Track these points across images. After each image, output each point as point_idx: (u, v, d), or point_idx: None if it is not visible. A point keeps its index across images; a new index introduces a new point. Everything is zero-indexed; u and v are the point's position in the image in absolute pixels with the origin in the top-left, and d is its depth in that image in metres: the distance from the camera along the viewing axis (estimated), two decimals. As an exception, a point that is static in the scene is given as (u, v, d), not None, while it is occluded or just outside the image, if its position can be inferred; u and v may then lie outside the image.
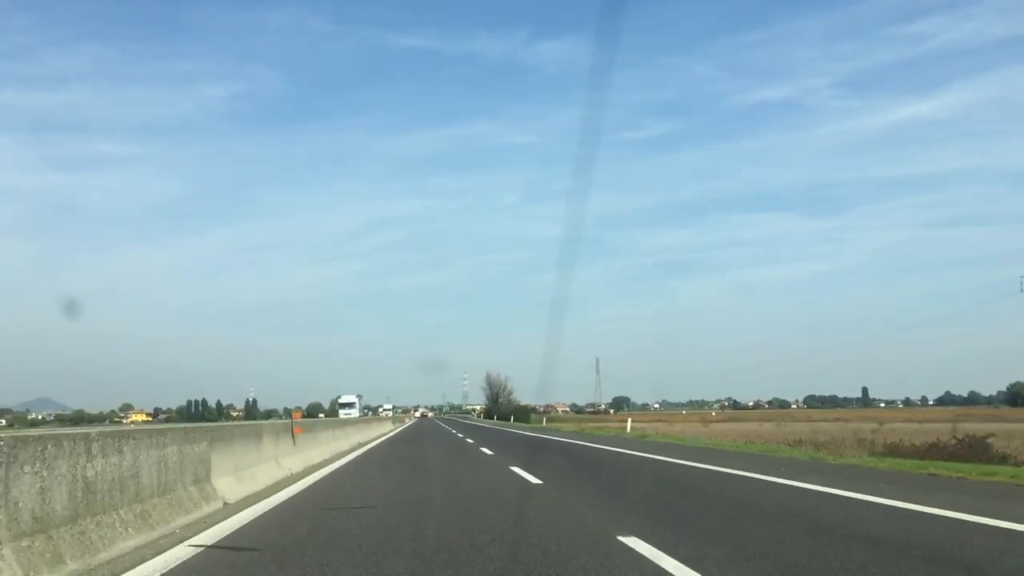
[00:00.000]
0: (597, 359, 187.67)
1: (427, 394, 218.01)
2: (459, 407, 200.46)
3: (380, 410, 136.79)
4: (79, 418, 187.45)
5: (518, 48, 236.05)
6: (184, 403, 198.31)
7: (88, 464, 5.67)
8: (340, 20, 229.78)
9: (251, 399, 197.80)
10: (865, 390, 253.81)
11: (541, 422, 68.75)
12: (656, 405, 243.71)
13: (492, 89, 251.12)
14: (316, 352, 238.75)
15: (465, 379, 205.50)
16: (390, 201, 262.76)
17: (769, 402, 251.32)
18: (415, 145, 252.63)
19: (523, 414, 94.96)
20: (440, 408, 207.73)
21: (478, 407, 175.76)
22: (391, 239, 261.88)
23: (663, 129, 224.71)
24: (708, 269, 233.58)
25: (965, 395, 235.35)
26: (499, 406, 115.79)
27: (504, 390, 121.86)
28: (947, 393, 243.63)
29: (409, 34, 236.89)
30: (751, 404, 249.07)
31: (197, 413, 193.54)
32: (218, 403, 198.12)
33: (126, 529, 6.17)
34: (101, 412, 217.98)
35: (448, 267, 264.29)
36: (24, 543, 4.74)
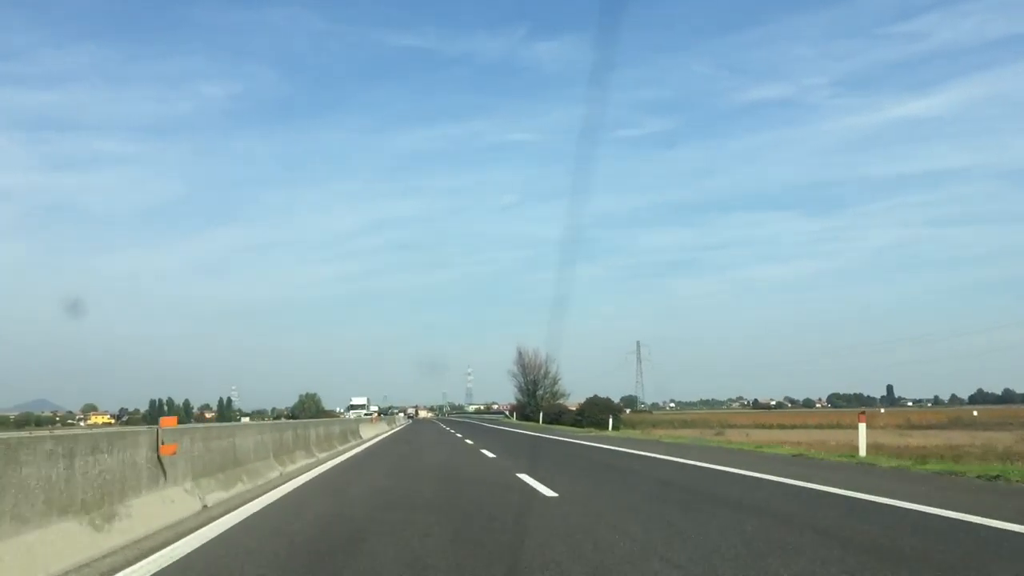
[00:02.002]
0: (638, 343, 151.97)
1: (427, 394, 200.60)
2: (461, 407, 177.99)
3: (349, 411, 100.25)
4: (25, 420, 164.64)
5: (516, 46, 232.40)
6: (165, 402, 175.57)
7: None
8: (337, 19, 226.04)
9: (225, 399, 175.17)
10: (890, 388, 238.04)
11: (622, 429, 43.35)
12: (672, 404, 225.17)
13: (490, 87, 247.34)
14: (314, 352, 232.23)
15: (469, 375, 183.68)
16: (388, 200, 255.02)
17: (792, 401, 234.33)
18: (413, 144, 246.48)
19: (605, 413, 53.85)
20: (441, 408, 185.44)
21: (495, 404, 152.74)
22: (389, 238, 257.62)
23: (661, 127, 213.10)
24: (710, 268, 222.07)
25: (999, 393, 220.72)
26: (537, 401, 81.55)
27: (544, 376, 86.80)
28: (979, 391, 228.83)
29: (407, 33, 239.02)
30: (773, 403, 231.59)
31: (161, 414, 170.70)
32: (186, 403, 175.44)
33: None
34: (55, 414, 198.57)
35: (447, 266, 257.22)
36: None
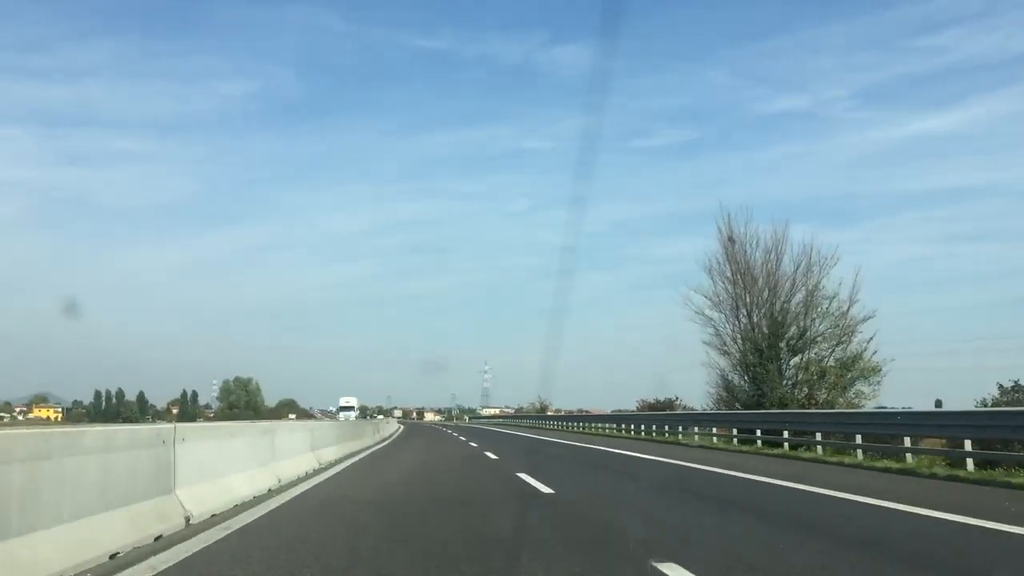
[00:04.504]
0: None
1: (436, 397, 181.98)
2: (473, 411, 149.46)
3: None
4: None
5: (534, 52, 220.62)
6: (115, 394, 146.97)
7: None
8: (356, 20, 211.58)
9: (190, 393, 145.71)
10: (939, 403, 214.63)
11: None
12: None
13: (506, 92, 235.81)
14: (319, 353, 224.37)
15: (486, 372, 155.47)
16: (401, 203, 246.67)
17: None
18: (427, 147, 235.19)
19: None
20: (449, 411, 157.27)
21: (515, 408, 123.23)
22: (400, 241, 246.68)
23: (679, 136, 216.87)
24: None
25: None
26: (781, 387, 28.19)
27: (810, 299, 29.56)
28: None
29: (424, 35, 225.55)
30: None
31: (111, 408, 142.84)
32: (140, 395, 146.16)
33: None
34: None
35: (458, 271, 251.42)
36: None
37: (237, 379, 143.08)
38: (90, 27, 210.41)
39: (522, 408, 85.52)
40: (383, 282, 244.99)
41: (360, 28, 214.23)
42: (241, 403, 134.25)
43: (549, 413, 68.95)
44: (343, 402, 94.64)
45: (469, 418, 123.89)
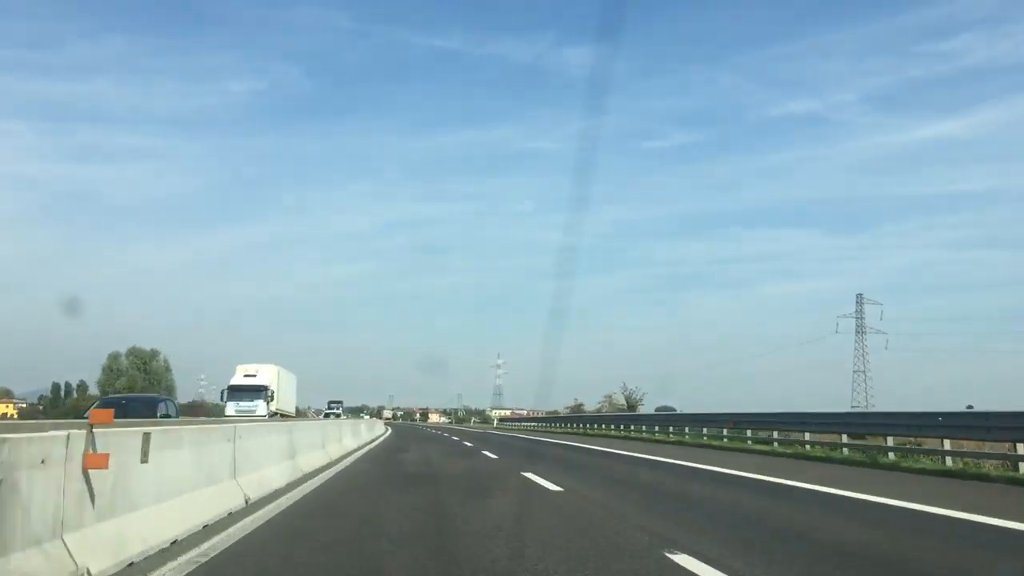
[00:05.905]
0: (859, 296, 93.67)
1: (440, 396, 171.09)
2: (482, 412, 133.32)
3: None
4: None
5: (544, 52, 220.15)
6: (76, 386, 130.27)
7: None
8: (365, 19, 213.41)
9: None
10: (970, 408, 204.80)
11: None
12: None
13: (515, 93, 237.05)
14: (321, 351, 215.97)
15: (499, 366, 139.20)
16: (406, 203, 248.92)
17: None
18: (434, 147, 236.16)
19: None
20: (455, 412, 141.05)
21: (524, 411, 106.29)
22: (406, 241, 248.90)
23: (687, 139, 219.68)
24: (729, 282, 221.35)
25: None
26: None
27: None
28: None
29: (433, 35, 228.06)
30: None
31: (69, 397, 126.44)
32: (102, 388, 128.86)
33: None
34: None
35: (464, 271, 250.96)
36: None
37: (133, 351, 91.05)
38: (99, 24, 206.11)
39: (581, 406, 68.23)
40: (388, 281, 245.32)
41: (369, 27, 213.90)
42: (137, 388, 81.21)
43: (641, 412, 51.85)
44: (242, 376, 44.16)
45: (497, 420, 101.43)
